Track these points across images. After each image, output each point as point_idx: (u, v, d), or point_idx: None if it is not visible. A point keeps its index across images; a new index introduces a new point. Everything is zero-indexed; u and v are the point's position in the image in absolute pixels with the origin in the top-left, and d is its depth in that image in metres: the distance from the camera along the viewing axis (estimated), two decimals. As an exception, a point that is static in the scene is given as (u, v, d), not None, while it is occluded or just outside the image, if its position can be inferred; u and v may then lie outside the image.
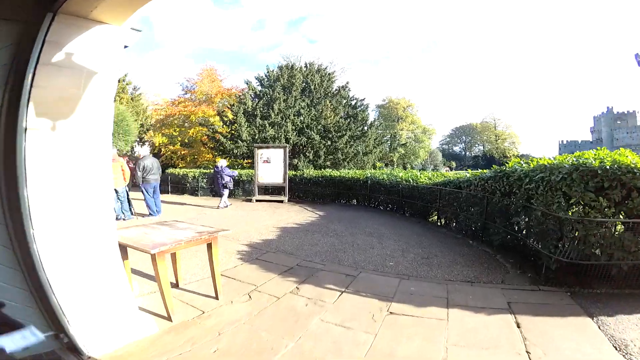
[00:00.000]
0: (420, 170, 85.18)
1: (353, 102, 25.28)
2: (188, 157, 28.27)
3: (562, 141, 74.80)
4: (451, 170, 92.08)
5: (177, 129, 29.70)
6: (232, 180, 12.79)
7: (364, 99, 25.65)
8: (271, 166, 14.03)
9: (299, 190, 14.81)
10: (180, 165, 26.96)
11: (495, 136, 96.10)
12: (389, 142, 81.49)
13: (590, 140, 72.45)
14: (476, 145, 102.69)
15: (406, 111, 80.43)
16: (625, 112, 65.64)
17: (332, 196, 13.72)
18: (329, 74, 25.42)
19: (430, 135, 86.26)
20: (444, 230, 8.06)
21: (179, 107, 29.74)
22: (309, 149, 19.32)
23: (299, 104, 20.91)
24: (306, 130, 19.79)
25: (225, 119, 21.54)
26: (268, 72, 23.56)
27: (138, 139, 29.86)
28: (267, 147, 14.57)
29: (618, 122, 65.77)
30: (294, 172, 15.24)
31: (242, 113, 19.79)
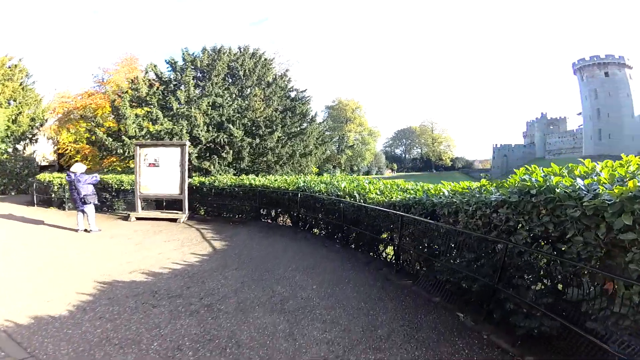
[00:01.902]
0: (364, 173, 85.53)
1: (292, 94, 21.64)
2: (89, 157, 23.31)
3: (496, 145, 79.29)
4: (393, 172, 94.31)
5: (84, 125, 24.30)
6: (95, 193, 8.52)
7: (305, 90, 22.14)
8: (161, 171, 9.83)
9: (208, 204, 10.77)
10: (88, 167, 22.67)
11: (432, 139, 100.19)
12: (337, 143, 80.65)
13: (523, 144, 77.69)
14: (415, 148, 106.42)
15: (354, 113, 79.87)
16: (557, 118, 71.35)
17: (252, 213, 9.95)
18: (266, 59, 21.47)
19: (376, 137, 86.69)
20: (409, 284, 4.76)
21: (88, 100, 25.31)
22: (228, 148, 15.18)
23: (217, 92, 16.66)
24: (226, 124, 15.63)
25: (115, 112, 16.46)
26: (184, 54, 18.86)
27: (30, 136, 24.29)
28: (155, 146, 10.30)
29: (551, 127, 70.98)
30: (201, 179, 11.12)
31: (129, 102, 15.00)
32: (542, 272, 3.08)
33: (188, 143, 10.41)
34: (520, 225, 3.18)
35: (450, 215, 4.21)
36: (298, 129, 17.92)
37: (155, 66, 17.64)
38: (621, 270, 2.45)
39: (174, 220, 9.61)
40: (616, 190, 2.37)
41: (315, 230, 8.24)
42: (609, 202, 2.37)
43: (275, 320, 3.69)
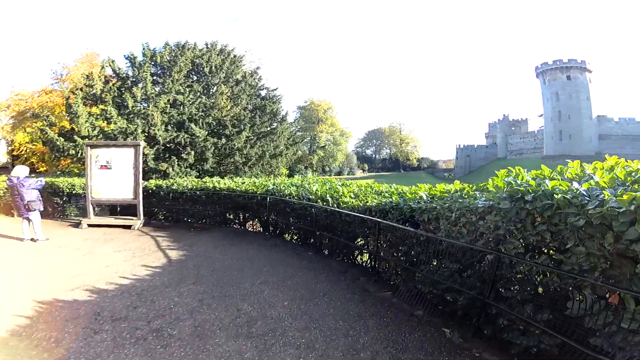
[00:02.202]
0: (336, 173, 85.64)
1: (263, 93, 20.88)
2: (46, 158, 22.09)
3: (460, 145, 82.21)
4: (364, 172, 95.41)
5: (39, 124, 22.46)
6: (40, 199, 7.56)
7: (275, 89, 21.48)
8: (113, 174, 8.90)
9: (167, 210, 9.91)
10: (41, 169, 21.84)
11: (400, 140, 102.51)
12: (308, 144, 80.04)
13: (486, 144, 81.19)
14: (384, 148, 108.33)
15: (326, 113, 79.83)
16: (519, 120, 75.02)
17: (217, 218, 9.25)
18: (235, 56, 20.54)
19: (347, 138, 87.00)
20: (389, 296, 4.40)
21: (45, 98, 24.10)
22: (189, 149, 14.24)
23: (177, 89, 15.61)
24: (188, 124, 14.65)
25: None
26: (144, 49, 17.55)
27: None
28: (107, 146, 9.32)
29: (512, 128, 74.44)
30: (158, 182, 10.22)
31: (83, 99, 13.68)
32: (538, 285, 2.81)
33: (143, 143, 9.49)
34: (512, 234, 2.88)
35: (431, 222, 3.90)
36: (268, 128, 17.25)
37: (113, 61, 16.25)
38: (627, 282, 2.21)
39: (128, 227, 8.70)
40: (626, 197, 2.10)
41: (287, 235, 7.73)
42: (619, 210, 2.10)
43: (241, 347, 3.17)
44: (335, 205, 5.89)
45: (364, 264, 5.50)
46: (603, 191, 2.34)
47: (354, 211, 5.30)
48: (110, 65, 16.10)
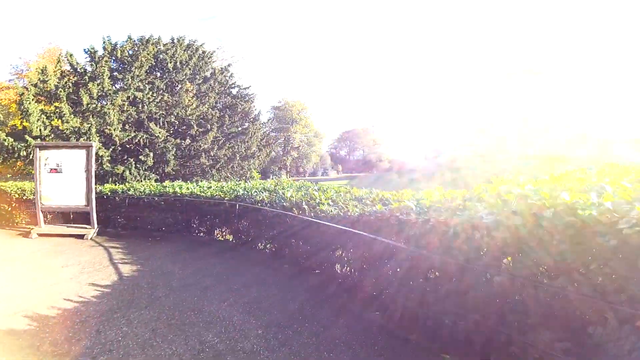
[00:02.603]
0: (310, 174, 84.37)
1: (234, 91, 19.94)
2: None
3: (427, 146, 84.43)
4: (339, 173, 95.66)
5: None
6: None
7: (248, 87, 20.58)
8: (64, 178, 7.92)
9: (124, 217, 8.96)
10: None
11: (373, 141, 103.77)
12: (282, 145, 78.81)
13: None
14: (357, 149, 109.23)
15: (301, 114, 79.03)
16: None
17: (179, 226, 8.44)
18: (204, 52, 19.45)
19: (322, 139, 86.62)
20: (377, 317, 3.94)
21: (0, 95, 23.02)
22: (148, 150, 13.18)
23: (137, 86, 14.47)
24: (147, 123, 13.56)
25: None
26: (105, 43, 16.14)
27: None
28: (57, 147, 8.25)
29: None
30: (113, 187, 9.21)
31: (36, 95, 12.30)
32: (556, 310, 2.44)
33: (96, 144, 8.56)
34: (524, 253, 2.50)
35: (424, 237, 3.47)
36: (239, 129, 16.38)
37: (71, 55, 14.75)
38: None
39: (81, 236, 7.70)
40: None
41: (260, 245, 7.10)
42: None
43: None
44: (312, 214, 5.36)
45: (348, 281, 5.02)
46: (636, 207, 1.99)
47: (334, 222, 4.80)
48: (68, 60, 14.61)
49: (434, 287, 3.33)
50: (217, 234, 8.17)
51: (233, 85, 20.10)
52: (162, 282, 5.00)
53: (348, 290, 4.71)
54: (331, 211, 5.08)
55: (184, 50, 18.18)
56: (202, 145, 13.98)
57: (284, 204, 6.14)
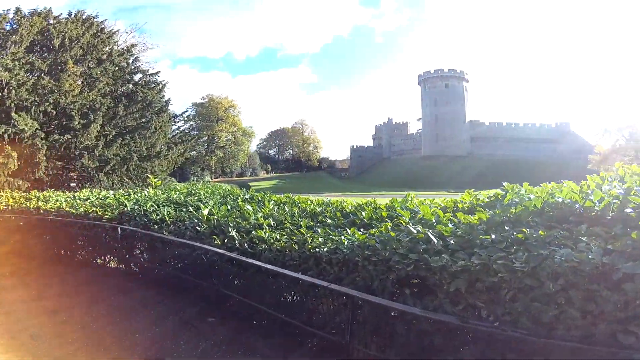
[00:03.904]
0: (238, 175, 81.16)
1: (136, 77, 16.17)
2: None
3: (353, 146, 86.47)
4: (268, 173, 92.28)
5: None
6: None
7: (157, 74, 16.90)
8: None
9: None
10: None
11: (303, 141, 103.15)
12: (206, 144, 71.94)
13: (373, 145, 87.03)
14: (287, 149, 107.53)
15: (227, 112, 73.84)
16: (401, 123, 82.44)
17: (47, 253, 5.41)
18: (103, 29, 15.42)
19: (250, 138, 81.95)
20: None
21: None
22: (10, 149, 9.38)
23: (6, 64, 10.45)
24: (15, 113, 9.70)
25: None
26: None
27: None
28: None
29: (395, 130, 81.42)
30: None
31: None
32: None
33: None
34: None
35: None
36: (137, 122, 12.93)
37: None
38: None
39: None
40: None
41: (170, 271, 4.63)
42: None
43: None
44: (246, 245, 3.24)
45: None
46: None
47: (287, 265, 2.77)
48: None
49: None
50: (100, 262, 5.39)
51: (135, 70, 16.30)
52: None
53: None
54: (278, 242, 3.02)
55: (78, 26, 14.04)
56: (84, 141, 10.46)
57: (199, 227, 3.87)
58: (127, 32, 24.76)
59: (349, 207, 3.90)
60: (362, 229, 3.08)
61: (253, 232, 3.34)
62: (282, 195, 5.08)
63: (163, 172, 12.56)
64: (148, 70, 17.38)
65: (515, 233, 2.03)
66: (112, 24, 20.04)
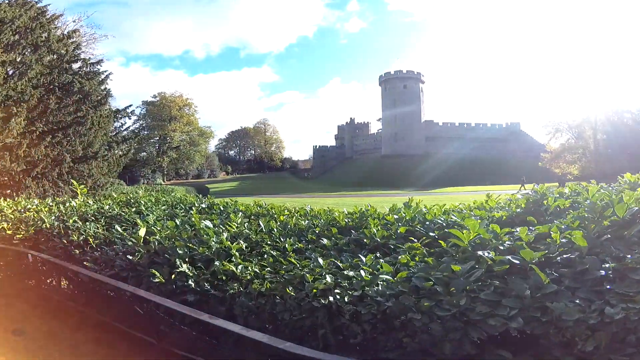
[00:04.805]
0: (195, 177, 77.81)
1: (75, 66, 13.96)
2: None
3: (316, 146, 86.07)
4: (228, 174, 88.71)
5: None
6: None
7: (99, 62, 14.80)
8: None
9: None
10: None
11: (265, 141, 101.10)
12: (157, 144, 67.01)
13: (336, 145, 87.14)
14: (249, 149, 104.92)
15: (182, 110, 69.60)
16: (362, 123, 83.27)
17: None
18: (45, 12, 13.41)
19: (208, 138, 78.20)
20: None
21: None
22: None
23: None
24: None
25: None
26: None
27: None
28: None
29: (357, 131, 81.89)
30: None
31: None
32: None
33: None
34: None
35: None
36: (72, 117, 10.89)
37: None
38: None
39: None
40: None
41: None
42: None
43: None
44: (209, 287, 2.14)
45: None
46: None
47: (276, 313, 1.74)
48: None
49: None
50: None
51: (75, 59, 14.08)
52: None
53: None
54: (260, 281, 1.96)
55: (14, 9, 11.72)
56: (4, 139, 8.47)
57: (131, 256, 2.67)
58: (74, 22, 21.79)
59: (343, 219, 2.94)
60: (376, 253, 2.14)
61: (217, 262, 2.24)
62: (252, 205, 3.98)
63: (105, 176, 10.59)
64: (89, 58, 15.24)
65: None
66: (55, 8, 17.43)
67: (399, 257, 1.90)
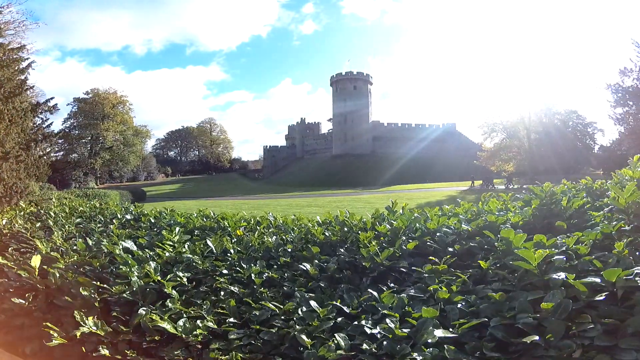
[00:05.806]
0: (130, 179, 72.23)
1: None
2: None
3: (266, 146, 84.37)
4: (167, 176, 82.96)
5: None
6: None
7: (20, 48, 12.76)
8: None
9: None
10: None
11: (211, 141, 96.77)
12: (88, 144, 59.99)
13: (287, 145, 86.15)
14: (192, 150, 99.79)
15: (116, 108, 63.58)
16: (313, 123, 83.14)
17: None
18: None
19: (144, 138, 72.50)
20: None
21: None
22: None
23: None
24: None
25: None
26: None
27: None
28: None
29: (308, 131, 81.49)
30: None
31: None
32: None
33: None
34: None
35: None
36: None
37: None
38: None
39: None
40: None
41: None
42: None
43: None
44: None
45: None
46: None
47: None
48: None
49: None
50: None
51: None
52: None
53: None
54: (217, 349, 1.23)
55: None
56: None
57: (20, 299, 1.74)
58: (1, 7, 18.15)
59: (321, 232, 2.28)
60: (387, 281, 1.54)
61: (142, 310, 1.46)
62: (196, 215, 3.14)
63: (23, 180, 8.52)
64: (9, 43, 12.69)
65: None
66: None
67: (429, 286, 1.31)
